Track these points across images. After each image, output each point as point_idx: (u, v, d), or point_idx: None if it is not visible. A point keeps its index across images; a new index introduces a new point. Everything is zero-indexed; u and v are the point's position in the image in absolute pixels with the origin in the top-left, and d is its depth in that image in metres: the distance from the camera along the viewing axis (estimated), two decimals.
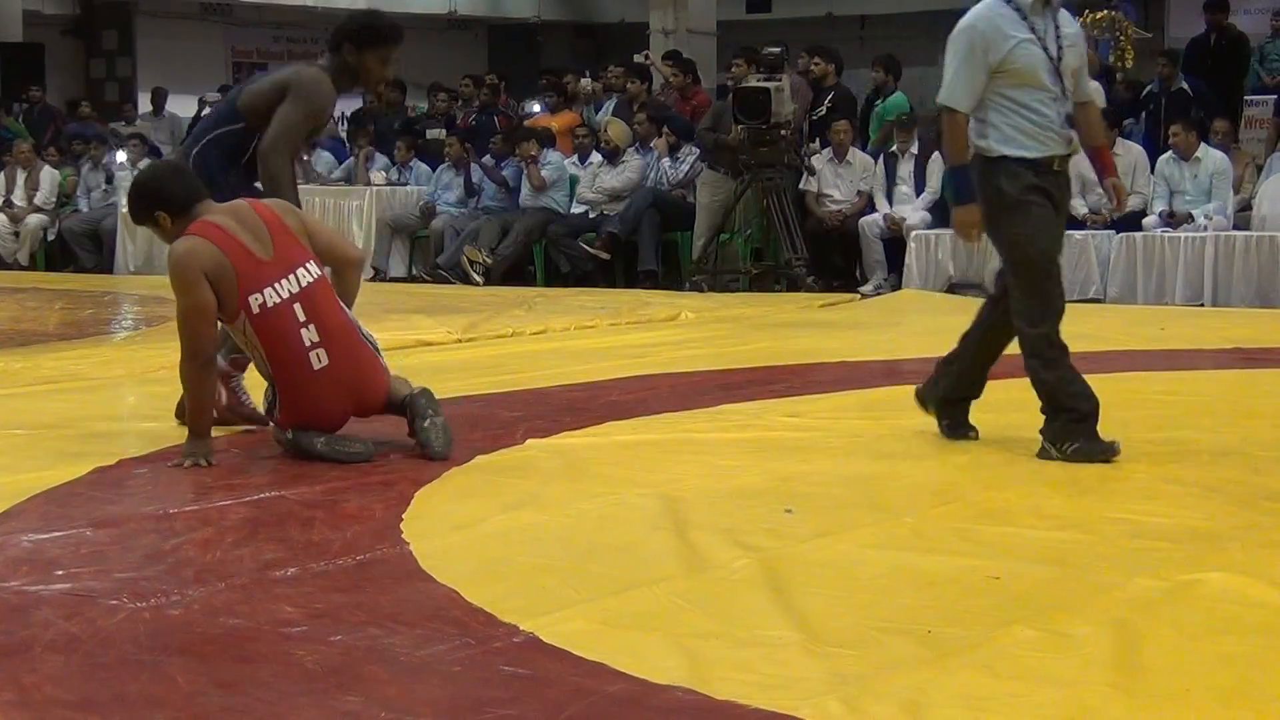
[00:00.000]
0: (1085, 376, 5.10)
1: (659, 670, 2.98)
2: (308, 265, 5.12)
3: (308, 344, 5.06)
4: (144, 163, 14.36)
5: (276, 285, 5.03)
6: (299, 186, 5.84)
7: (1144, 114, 12.69)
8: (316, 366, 5.07)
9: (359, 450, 5.11)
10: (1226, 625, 3.30)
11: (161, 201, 5.17)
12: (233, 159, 5.69)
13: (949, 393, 5.46)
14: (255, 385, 5.32)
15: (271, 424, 5.28)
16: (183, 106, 18.74)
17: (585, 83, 15.59)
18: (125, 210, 6.57)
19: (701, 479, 4.85)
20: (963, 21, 5.14)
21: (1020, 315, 5.12)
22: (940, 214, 12.25)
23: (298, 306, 5.05)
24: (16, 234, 15.89)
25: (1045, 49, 5.07)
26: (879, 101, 13.19)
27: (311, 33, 20.94)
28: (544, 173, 13.42)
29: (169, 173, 5.50)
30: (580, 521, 4.31)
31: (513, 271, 13.32)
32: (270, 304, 5.02)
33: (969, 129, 5.14)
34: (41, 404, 6.51)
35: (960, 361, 5.43)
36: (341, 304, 5.24)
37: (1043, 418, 5.11)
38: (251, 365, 5.50)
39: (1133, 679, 2.95)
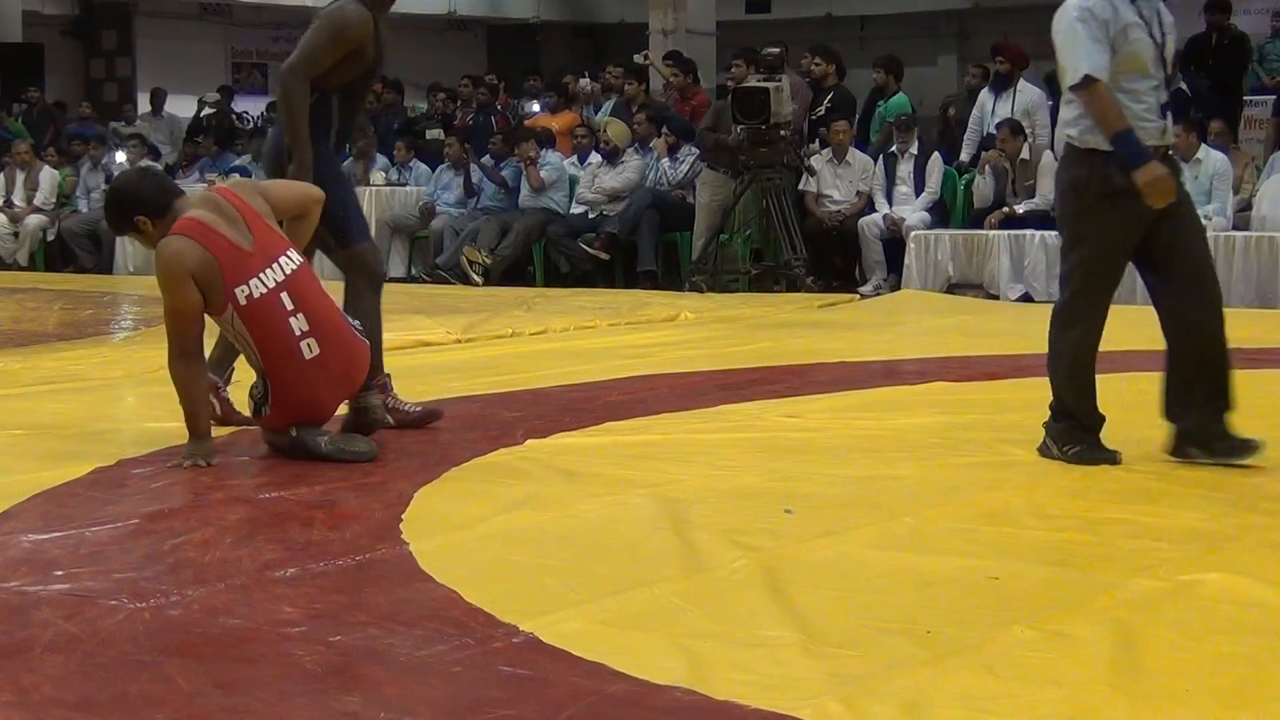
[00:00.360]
0: None
1: (659, 670, 2.97)
2: (289, 253, 5.11)
3: (298, 333, 5.04)
4: (144, 163, 14.39)
5: (262, 276, 5.01)
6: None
7: None
8: (308, 356, 5.05)
9: (363, 450, 5.10)
10: (1226, 625, 3.30)
11: (138, 205, 5.13)
12: (316, 134, 5.51)
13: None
14: (243, 384, 5.30)
15: (262, 425, 5.25)
16: (182, 107, 18.75)
17: (585, 83, 15.58)
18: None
19: (701, 479, 4.85)
20: (1070, 2, 4.88)
21: (1057, 312, 5.07)
22: (939, 214, 12.28)
23: (285, 295, 5.04)
24: (16, 234, 15.89)
25: (1152, 35, 4.91)
26: (881, 102, 13.19)
27: None
28: (543, 173, 13.41)
29: (140, 176, 5.48)
30: (580, 521, 4.31)
31: (512, 272, 13.32)
32: (257, 295, 5.00)
33: (1061, 117, 4.99)
34: (41, 404, 6.50)
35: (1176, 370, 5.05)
36: (325, 290, 5.24)
37: (1048, 414, 5.10)
38: (239, 362, 5.49)
39: (1133, 679, 2.95)
